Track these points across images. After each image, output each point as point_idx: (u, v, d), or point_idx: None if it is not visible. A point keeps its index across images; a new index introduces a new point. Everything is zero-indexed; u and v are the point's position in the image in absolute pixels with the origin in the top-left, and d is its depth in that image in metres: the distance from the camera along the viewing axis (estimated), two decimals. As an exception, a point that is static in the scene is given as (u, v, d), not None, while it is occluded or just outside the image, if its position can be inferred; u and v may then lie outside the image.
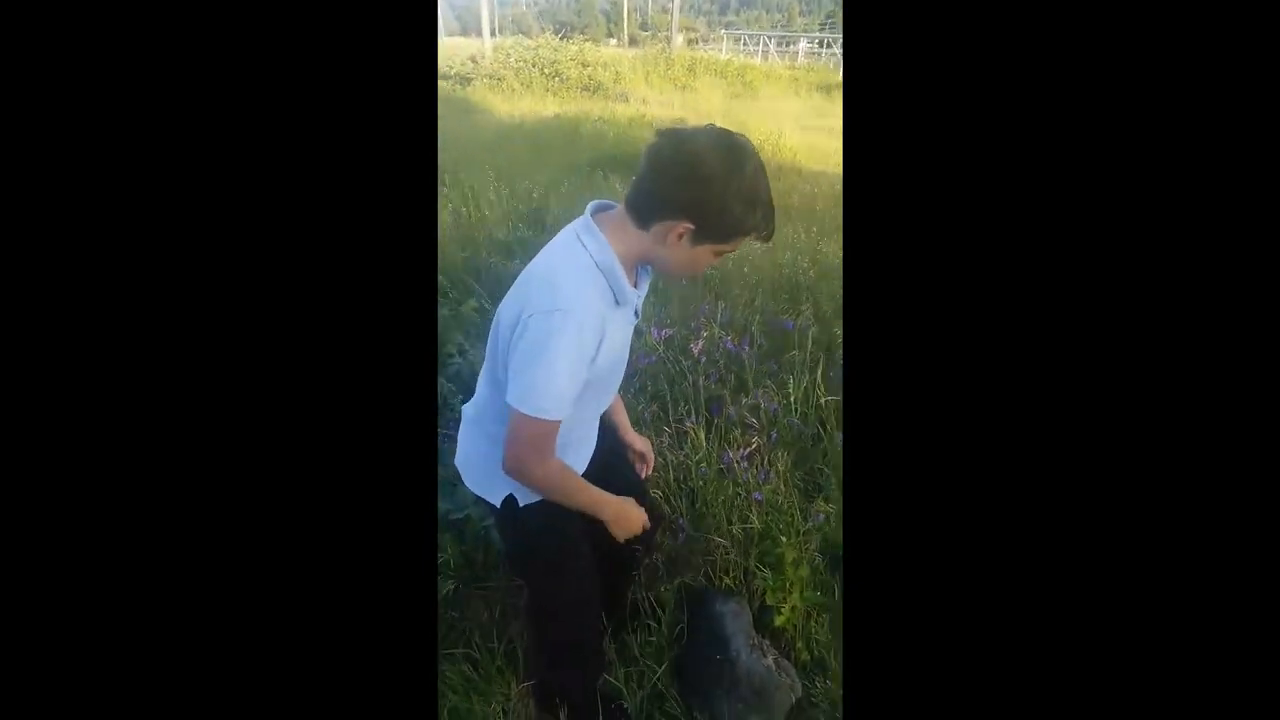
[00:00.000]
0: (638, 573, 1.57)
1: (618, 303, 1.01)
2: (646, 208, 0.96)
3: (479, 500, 1.20)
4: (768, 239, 1.00)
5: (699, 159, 0.91)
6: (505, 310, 1.02)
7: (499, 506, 1.15)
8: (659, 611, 1.54)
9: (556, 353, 0.92)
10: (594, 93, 11.25)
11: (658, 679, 1.44)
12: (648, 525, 1.18)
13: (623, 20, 37.28)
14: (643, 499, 1.36)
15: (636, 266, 1.05)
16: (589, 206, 1.03)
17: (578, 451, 1.19)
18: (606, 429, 1.32)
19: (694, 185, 0.92)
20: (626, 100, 10.20)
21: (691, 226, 0.94)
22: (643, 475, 1.40)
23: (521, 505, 1.14)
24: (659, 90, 11.57)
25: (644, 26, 45.34)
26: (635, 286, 1.06)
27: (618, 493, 1.16)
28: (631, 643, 1.50)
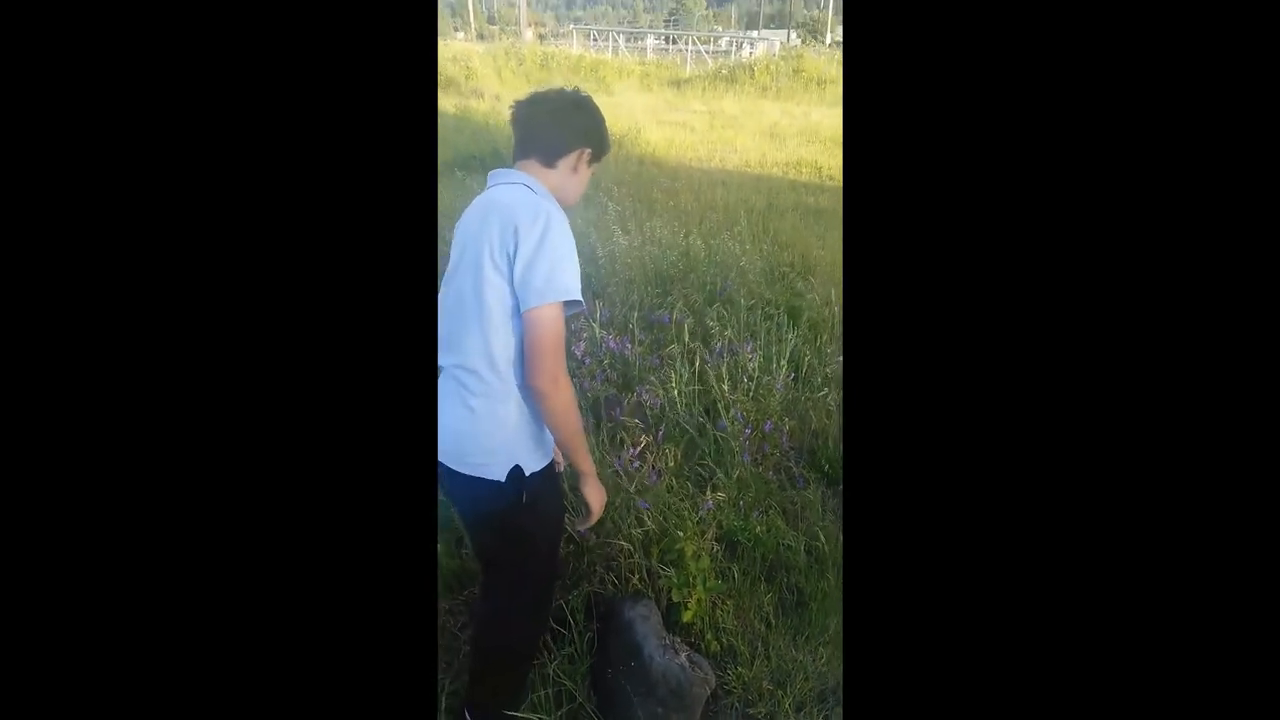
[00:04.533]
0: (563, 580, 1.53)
1: None
2: (551, 148, 1.15)
3: (464, 483, 1.09)
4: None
5: (582, 101, 1.18)
6: (470, 250, 1.06)
7: (504, 480, 1.07)
8: (571, 624, 1.50)
9: (559, 240, 1.02)
10: (446, 88, 10.79)
11: (575, 697, 1.41)
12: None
13: (468, 13, 36.11)
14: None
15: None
16: (501, 172, 1.16)
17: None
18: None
19: (586, 118, 1.18)
20: (481, 96, 9.88)
21: (590, 151, 1.18)
22: (582, 529, 1.31)
23: (528, 475, 1.09)
24: (512, 86, 11.30)
25: (491, 20, 44.17)
26: None
27: None
28: (547, 662, 1.45)
